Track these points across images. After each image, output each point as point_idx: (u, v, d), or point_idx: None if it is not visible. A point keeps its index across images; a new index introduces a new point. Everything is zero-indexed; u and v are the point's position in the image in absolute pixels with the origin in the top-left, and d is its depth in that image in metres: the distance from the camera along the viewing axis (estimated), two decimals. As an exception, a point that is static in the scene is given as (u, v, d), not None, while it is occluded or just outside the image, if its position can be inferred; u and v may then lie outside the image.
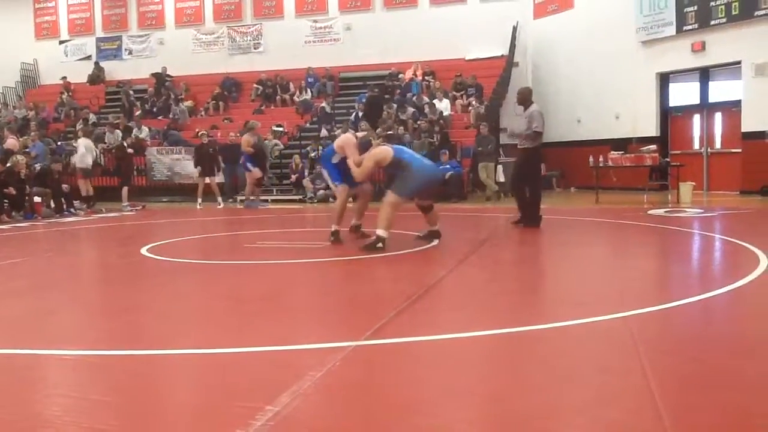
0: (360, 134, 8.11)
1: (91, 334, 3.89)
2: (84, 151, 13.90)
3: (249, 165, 13.76)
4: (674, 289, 4.97)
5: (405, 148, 7.55)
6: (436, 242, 7.11)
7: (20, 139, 15.38)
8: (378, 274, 5.83)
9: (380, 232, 6.60)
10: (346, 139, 7.46)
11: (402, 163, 6.79)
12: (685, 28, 14.80)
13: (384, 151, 6.97)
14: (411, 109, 16.48)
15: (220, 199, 14.52)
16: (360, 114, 16.68)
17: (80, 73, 21.72)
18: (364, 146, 7.16)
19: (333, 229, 7.32)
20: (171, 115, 18.78)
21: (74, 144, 17.03)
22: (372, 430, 2.36)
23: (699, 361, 3.02)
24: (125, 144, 15.25)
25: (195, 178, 14.98)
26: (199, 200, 14.38)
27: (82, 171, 13.85)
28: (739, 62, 14.11)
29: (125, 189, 14.43)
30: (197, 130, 16.29)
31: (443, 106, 16.54)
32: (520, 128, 8.59)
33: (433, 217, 7.41)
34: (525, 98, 8.67)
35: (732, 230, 8.37)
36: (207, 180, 14.43)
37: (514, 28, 18.13)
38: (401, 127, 15.34)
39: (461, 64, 18.80)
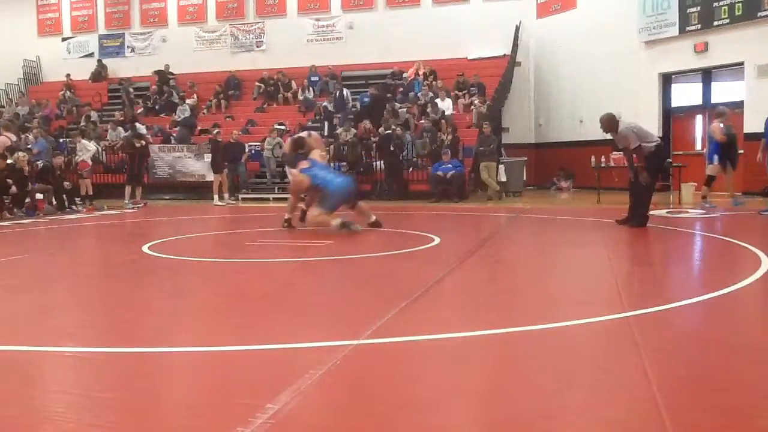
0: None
1: (92, 331, 3.90)
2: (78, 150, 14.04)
3: (715, 156, 11.20)
4: (675, 289, 4.97)
5: (320, 171, 8.28)
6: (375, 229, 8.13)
7: (21, 135, 15.34)
8: (378, 272, 5.82)
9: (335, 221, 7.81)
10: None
11: (319, 187, 8.03)
12: (688, 28, 14.76)
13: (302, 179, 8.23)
14: (402, 109, 16.48)
15: None
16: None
17: (83, 71, 21.73)
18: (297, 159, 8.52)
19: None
20: (178, 114, 18.71)
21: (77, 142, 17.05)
22: (372, 428, 2.36)
23: (700, 362, 3.02)
24: (133, 140, 14.68)
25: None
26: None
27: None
28: (741, 63, 14.08)
29: (139, 187, 14.37)
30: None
31: (445, 105, 16.52)
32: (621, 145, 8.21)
33: (364, 211, 8.39)
34: (608, 126, 8.12)
35: (733, 231, 8.36)
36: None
37: (517, 28, 18.12)
38: (399, 127, 15.29)
39: (463, 63, 18.76)
